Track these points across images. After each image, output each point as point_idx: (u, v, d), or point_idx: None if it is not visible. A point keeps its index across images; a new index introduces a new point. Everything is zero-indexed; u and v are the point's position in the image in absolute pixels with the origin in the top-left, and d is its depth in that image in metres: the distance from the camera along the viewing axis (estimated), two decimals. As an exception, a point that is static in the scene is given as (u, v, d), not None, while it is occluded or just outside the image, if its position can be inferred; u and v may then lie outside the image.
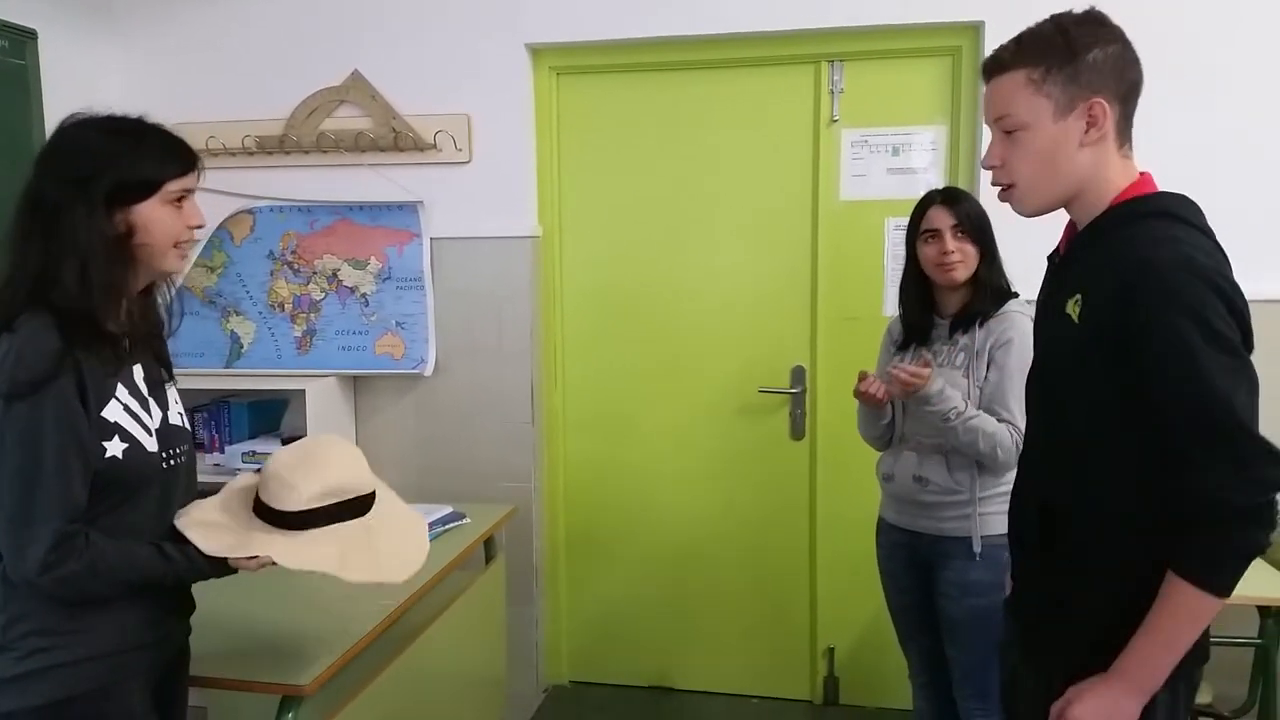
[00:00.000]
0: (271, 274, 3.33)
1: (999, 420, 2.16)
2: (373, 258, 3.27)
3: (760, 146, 3.19)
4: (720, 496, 3.34)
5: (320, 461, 1.61)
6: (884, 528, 2.43)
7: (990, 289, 2.24)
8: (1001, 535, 2.16)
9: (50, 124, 2.90)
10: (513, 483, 3.25)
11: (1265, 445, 1.29)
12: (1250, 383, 1.31)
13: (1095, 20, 1.41)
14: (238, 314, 3.36)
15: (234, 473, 3.11)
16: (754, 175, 3.20)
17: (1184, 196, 1.42)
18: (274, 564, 1.55)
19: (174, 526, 1.54)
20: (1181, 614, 1.32)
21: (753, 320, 3.26)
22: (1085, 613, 1.43)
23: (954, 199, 2.26)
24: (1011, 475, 2.16)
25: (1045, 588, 1.50)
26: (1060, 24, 1.40)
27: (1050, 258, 1.56)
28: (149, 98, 3.23)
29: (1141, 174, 1.44)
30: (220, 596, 1.66)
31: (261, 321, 3.36)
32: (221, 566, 1.53)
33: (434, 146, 3.18)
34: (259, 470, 1.66)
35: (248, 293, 3.35)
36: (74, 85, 3.07)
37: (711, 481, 3.34)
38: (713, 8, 3.03)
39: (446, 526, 2.61)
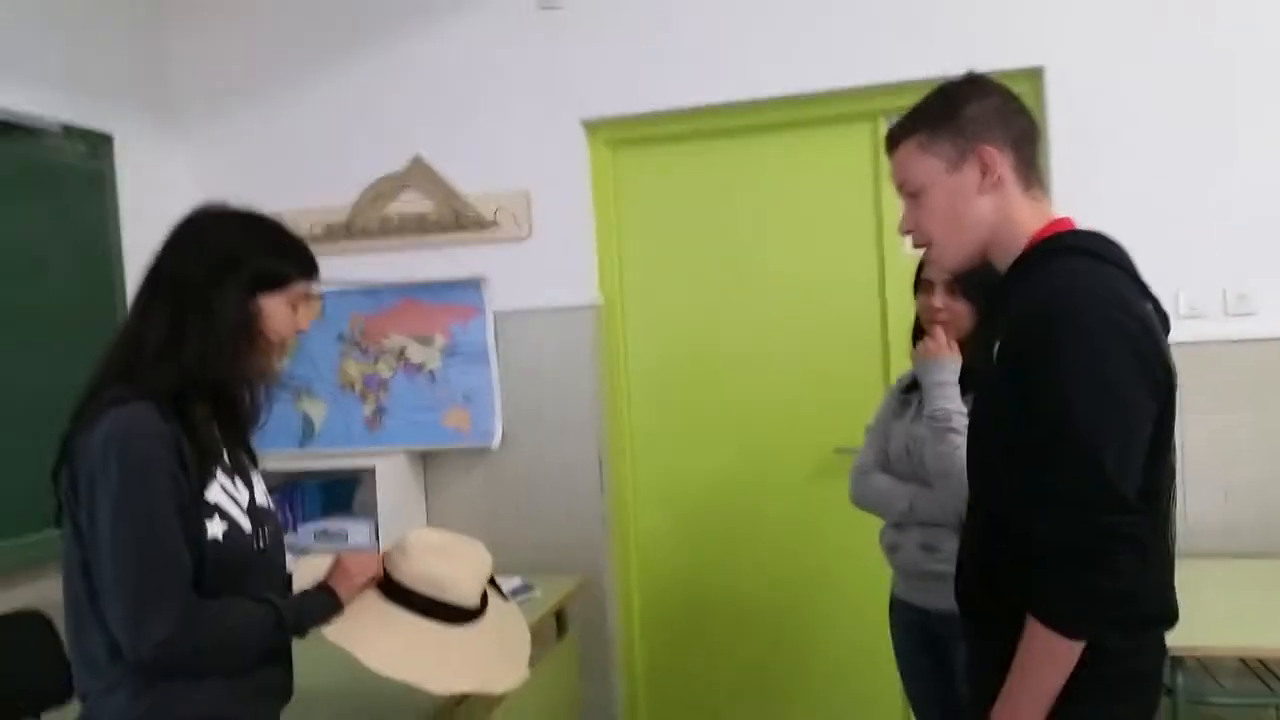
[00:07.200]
0: (341, 355, 3.40)
1: None
2: (438, 334, 3.32)
3: (821, 205, 3.17)
4: (800, 565, 3.25)
5: (444, 551, 1.64)
6: (895, 605, 2.20)
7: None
8: None
9: (127, 222, 3.05)
10: (584, 553, 3.22)
11: (1114, 489, 1.26)
12: (1123, 427, 1.28)
13: (971, 80, 1.49)
14: (309, 395, 3.42)
15: (305, 552, 3.14)
16: (817, 233, 3.18)
17: (1099, 234, 1.41)
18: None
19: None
20: (1036, 654, 1.30)
21: (823, 381, 3.19)
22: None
23: None
24: None
25: (996, 652, 1.39)
26: (941, 89, 1.49)
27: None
28: (220, 192, 3.32)
29: (1060, 218, 1.44)
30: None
31: (332, 401, 3.41)
32: (327, 600, 1.57)
33: (495, 223, 3.23)
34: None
35: (319, 374, 3.42)
36: (148, 184, 3.22)
37: (790, 550, 3.25)
38: (763, 71, 3.04)
39: (516, 599, 2.58)
